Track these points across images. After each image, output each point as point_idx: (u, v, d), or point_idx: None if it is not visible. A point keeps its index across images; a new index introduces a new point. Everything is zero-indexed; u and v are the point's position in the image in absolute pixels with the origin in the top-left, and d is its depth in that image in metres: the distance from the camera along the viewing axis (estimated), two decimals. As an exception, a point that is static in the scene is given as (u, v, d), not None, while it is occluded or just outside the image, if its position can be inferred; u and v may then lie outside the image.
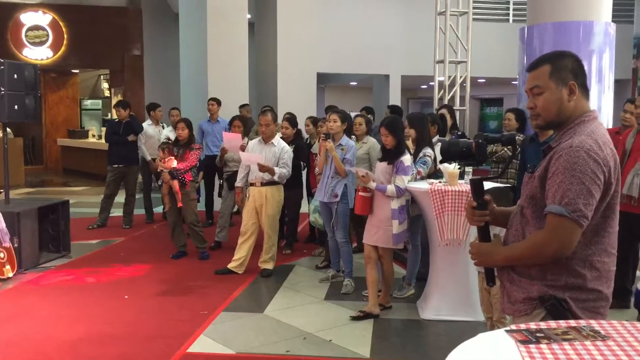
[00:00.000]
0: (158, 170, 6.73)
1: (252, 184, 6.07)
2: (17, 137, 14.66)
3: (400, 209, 4.81)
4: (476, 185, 2.26)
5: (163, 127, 9.02)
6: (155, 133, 8.88)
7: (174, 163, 6.58)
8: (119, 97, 14.28)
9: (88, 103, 17.69)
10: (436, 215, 4.61)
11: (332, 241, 5.83)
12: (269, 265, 6.17)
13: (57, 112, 16.56)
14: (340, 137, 5.62)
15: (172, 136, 7.96)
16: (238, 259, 6.16)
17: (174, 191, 6.58)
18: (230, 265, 6.17)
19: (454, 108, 7.85)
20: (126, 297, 5.41)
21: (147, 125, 8.88)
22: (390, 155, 4.86)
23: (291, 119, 7.16)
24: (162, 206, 9.01)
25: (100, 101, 17.60)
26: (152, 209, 9.08)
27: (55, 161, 16.43)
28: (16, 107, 6.41)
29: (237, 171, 6.80)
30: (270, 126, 6.01)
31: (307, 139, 7.61)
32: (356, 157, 5.74)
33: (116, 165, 8.41)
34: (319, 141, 6.41)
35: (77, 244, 7.34)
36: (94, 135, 14.85)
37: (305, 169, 7.30)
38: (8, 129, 12.76)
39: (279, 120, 7.48)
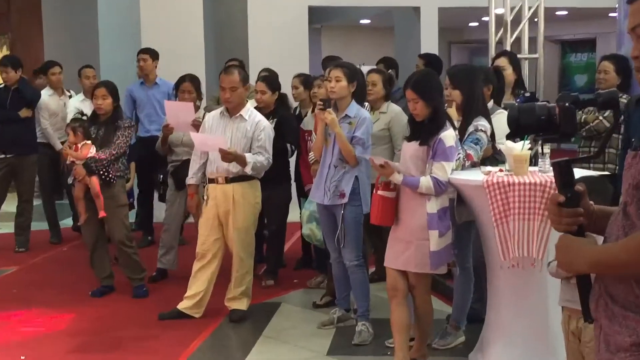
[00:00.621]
0: (67, 162, 6.72)
1: (212, 181, 6.07)
2: None
3: (441, 213, 4.80)
4: (563, 170, 2.22)
5: (70, 97, 9.00)
6: (57, 106, 8.89)
7: (92, 150, 6.56)
8: (4, 52, 14.20)
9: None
10: (496, 221, 4.60)
11: (338, 265, 5.83)
12: (241, 305, 6.18)
13: None
14: (346, 105, 5.62)
15: (86, 109, 7.92)
16: (193, 295, 6.17)
17: (93, 193, 6.56)
18: (182, 306, 6.18)
19: (520, 56, 7.80)
20: (23, 358, 5.40)
21: (45, 94, 8.89)
22: (424, 131, 4.85)
23: (270, 78, 7.12)
24: (73, 217, 9.07)
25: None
26: (58, 222, 9.05)
27: None
28: None
29: (188, 161, 6.75)
30: (237, 90, 6.00)
31: (295, 108, 7.61)
32: (372, 135, 5.73)
33: (1, 156, 8.42)
34: (313, 112, 6.37)
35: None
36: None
37: (294, 154, 7.32)
38: None
39: (252, 80, 7.43)
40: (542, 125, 2.16)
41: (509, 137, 4.59)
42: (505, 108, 5.41)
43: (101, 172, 6.56)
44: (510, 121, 2.20)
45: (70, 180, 6.82)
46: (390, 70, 7.34)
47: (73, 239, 8.95)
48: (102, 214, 6.57)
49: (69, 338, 5.84)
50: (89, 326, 6.10)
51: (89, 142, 6.60)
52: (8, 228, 8.87)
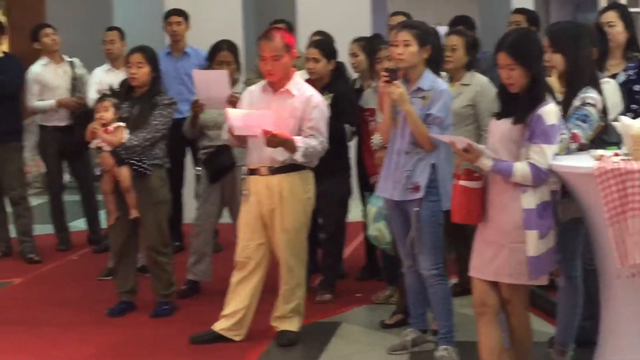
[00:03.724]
0: (93, 146, 6.77)
1: (253, 172, 6.10)
2: None
3: (541, 209, 4.76)
4: None
5: (72, 66, 9.02)
6: (55, 77, 8.91)
7: (125, 134, 6.58)
8: None
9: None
10: (611, 218, 4.55)
11: (412, 275, 5.84)
12: (292, 325, 6.20)
13: None
14: (419, 76, 5.60)
15: (112, 79, 7.97)
16: (232, 313, 6.19)
17: (123, 188, 6.61)
18: (219, 327, 6.21)
19: (633, 11, 7.67)
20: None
21: (41, 66, 8.95)
22: (519, 105, 4.81)
23: (324, 44, 7.14)
24: (89, 220, 9.17)
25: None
26: (66, 225, 9.15)
27: None
28: None
29: (223, 147, 6.80)
30: (280, 59, 6.01)
31: (354, 80, 7.59)
32: (452, 112, 5.71)
33: None
34: (378, 84, 6.33)
35: None
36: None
37: (356, 138, 7.29)
38: None
39: (300, 46, 7.41)
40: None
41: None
42: (612, 76, 5.33)
43: (135, 162, 6.60)
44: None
45: (98, 171, 6.88)
46: (472, 32, 7.29)
47: (84, 246, 9.03)
48: (134, 213, 6.62)
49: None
50: (104, 352, 6.15)
51: (123, 124, 6.58)
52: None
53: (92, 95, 8.48)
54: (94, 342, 6.35)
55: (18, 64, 8.87)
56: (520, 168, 4.72)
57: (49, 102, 8.71)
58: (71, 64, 9.03)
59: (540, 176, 4.72)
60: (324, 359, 5.89)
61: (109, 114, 6.57)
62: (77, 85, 8.78)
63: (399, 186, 5.59)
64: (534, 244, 4.72)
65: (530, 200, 4.73)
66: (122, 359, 6.05)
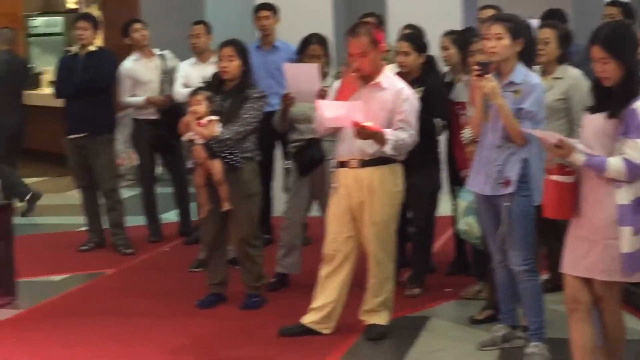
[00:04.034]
0: (187, 139, 6.84)
1: (342, 164, 6.10)
2: None
3: (636, 204, 4.68)
4: None
5: (163, 58, 9.12)
6: (145, 71, 9.01)
7: (217, 128, 6.65)
8: (95, 13, 14.56)
9: (39, 23, 18.19)
10: None
11: (502, 270, 5.80)
12: (381, 319, 6.19)
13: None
14: (511, 69, 5.56)
15: (198, 73, 8.03)
16: (321, 306, 6.22)
17: (215, 180, 6.67)
18: (308, 320, 6.24)
19: None
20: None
21: (132, 61, 9.08)
22: (613, 99, 4.72)
23: (415, 37, 7.11)
24: (181, 212, 9.28)
25: (60, 19, 18.03)
26: (158, 217, 9.31)
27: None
28: None
29: (313, 140, 6.83)
30: (367, 56, 5.99)
31: (444, 74, 7.56)
32: (545, 106, 5.66)
33: (73, 136, 8.72)
34: (469, 78, 6.28)
35: (29, 283, 7.63)
36: (52, 83, 15.32)
37: (446, 132, 7.27)
38: None
39: (391, 39, 7.38)
40: None
41: None
42: None
43: (225, 154, 6.65)
44: None
45: (190, 164, 6.95)
46: (564, 24, 7.19)
47: (175, 237, 9.13)
48: (226, 205, 6.68)
49: (169, 356, 5.97)
50: (195, 343, 6.22)
51: (216, 118, 6.62)
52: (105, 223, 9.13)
53: (177, 88, 8.59)
54: (184, 332, 6.43)
55: (111, 58, 8.99)
56: (614, 163, 4.64)
57: (139, 99, 8.84)
58: (161, 57, 9.12)
59: (635, 171, 4.63)
60: (413, 354, 5.88)
61: (202, 107, 6.62)
62: (168, 78, 8.86)
63: (490, 180, 5.56)
64: (628, 240, 4.64)
65: (624, 195, 4.65)
66: (211, 350, 6.11)
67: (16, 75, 10.65)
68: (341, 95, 6.02)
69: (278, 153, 8.78)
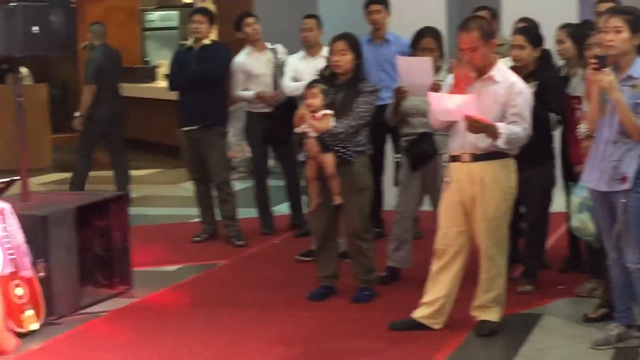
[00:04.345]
0: (300, 131, 6.86)
1: (454, 159, 6.08)
2: (39, 82, 15.67)
3: None
4: None
5: (274, 52, 9.16)
6: (257, 65, 9.05)
7: (331, 121, 6.65)
8: (209, 5, 14.72)
9: (155, 18, 18.57)
10: None
11: (617, 268, 5.71)
12: (492, 315, 6.15)
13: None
14: (629, 63, 5.47)
15: (306, 67, 8.07)
16: (432, 301, 6.19)
17: (327, 174, 6.69)
18: (418, 314, 6.22)
19: None
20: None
21: (244, 55, 9.14)
22: None
23: (530, 30, 7.04)
24: (292, 204, 9.34)
25: (176, 13, 18.36)
26: (270, 209, 9.37)
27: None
28: (35, 29, 6.83)
29: (425, 134, 6.81)
30: (478, 50, 5.96)
31: (559, 68, 7.46)
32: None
33: (186, 128, 8.85)
34: (586, 72, 6.19)
35: (144, 273, 7.78)
36: (167, 76, 15.57)
37: (560, 127, 7.18)
38: (23, 70, 13.10)
39: (506, 33, 7.30)
40: None
41: None
42: None
43: (338, 148, 6.66)
44: None
45: (302, 157, 7.01)
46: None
47: (287, 230, 9.21)
48: (337, 199, 6.70)
49: (279, 346, 6.02)
50: (304, 334, 6.26)
51: (330, 111, 6.64)
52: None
53: (287, 82, 8.64)
54: (294, 324, 6.48)
55: (225, 51, 9.07)
56: None
57: (250, 93, 8.92)
58: (273, 51, 9.19)
59: None
60: (525, 351, 5.82)
61: (317, 100, 6.64)
62: (279, 72, 8.91)
63: (606, 176, 5.48)
64: None
65: None
66: (321, 342, 6.13)
67: (112, 68, 10.85)
68: (456, 89, 5.99)
69: (389, 147, 8.77)
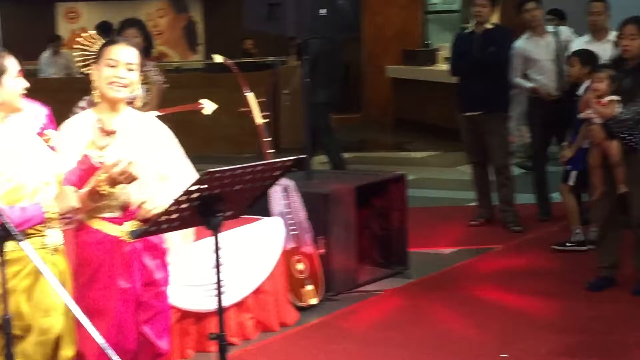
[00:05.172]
0: (584, 117, 6.77)
1: None
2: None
3: None
4: None
5: (556, 35, 8.92)
6: (540, 51, 8.86)
7: (617, 108, 6.50)
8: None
9: (437, 0, 18.59)
10: None
11: None
12: None
13: (384, 20, 17.59)
14: None
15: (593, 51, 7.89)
16: None
17: (612, 162, 6.56)
18: None
19: None
20: (505, 356, 5.67)
21: (524, 40, 8.93)
22: None
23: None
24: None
25: (460, -3, 18.45)
26: (548, 196, 9.27)
27: (382, 106, 17.56)
28: (323, 12, 7.02)
29: None
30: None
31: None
32: None
33: (468, 114, 8.83)
34: None
35: (420, 254, 7.90)
36: (447, 60, 15.53)
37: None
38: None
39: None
40: None
41: None
42: None
43: (624, 135, 6.50)
44: None
45: (586, 144, 6.94)
46: None
47: (564, 217, 9.04)
48: (622, 188, 6.57)
49: (554, 335, 5.99)
50: (581, 324, 6.20)
51: (617, 97, 6.51)
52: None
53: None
54: (572, 314, 6.46)
55: (508, 36, 8.99)
56: None
57: (527, 84, 8.77)
58: (555, 34, 8.99)
59: None
60: None
61: (604, 85, 6.52)
62: (561, 55, 8.72)
63: None
64: None
65: None
66: (600, 333, 6.03)
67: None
68: None
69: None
